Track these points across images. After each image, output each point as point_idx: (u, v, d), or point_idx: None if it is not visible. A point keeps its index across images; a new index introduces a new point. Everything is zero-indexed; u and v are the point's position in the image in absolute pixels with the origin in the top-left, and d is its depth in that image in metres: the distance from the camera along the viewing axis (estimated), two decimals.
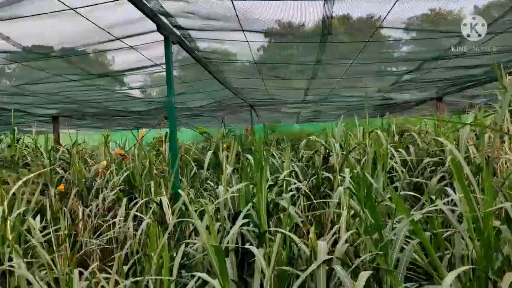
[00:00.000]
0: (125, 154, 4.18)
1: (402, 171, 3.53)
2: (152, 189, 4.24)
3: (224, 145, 4.51)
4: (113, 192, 4.32)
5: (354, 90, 7.71)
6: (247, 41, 4.26)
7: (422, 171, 3.74)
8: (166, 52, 3.93)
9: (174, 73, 4.01)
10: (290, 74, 6.03)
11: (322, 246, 1.86)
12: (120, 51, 4.59)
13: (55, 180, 4.76)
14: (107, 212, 4.51)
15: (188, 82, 6.48)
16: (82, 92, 6.49)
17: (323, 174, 3.68)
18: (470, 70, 6.05)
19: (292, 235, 2.33)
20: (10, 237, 2.47)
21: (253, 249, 2.04)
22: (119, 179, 4.54)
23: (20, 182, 2.66)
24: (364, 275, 1.54)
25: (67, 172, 5.68)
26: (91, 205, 4.16)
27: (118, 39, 4.02)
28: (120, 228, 3.34)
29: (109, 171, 4.25)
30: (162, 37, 3.86)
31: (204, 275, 1.87)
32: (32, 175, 3.01)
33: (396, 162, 3.59)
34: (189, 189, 4.20)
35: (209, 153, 3.48)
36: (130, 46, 4.34)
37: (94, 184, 4.74)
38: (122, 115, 10.12)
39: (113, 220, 3.42)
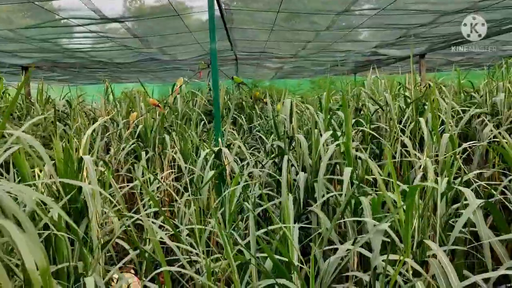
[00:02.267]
0: (159, 104, 3.92)
1: (450, 122, 3.61)
2: (169, 142, 4.06)
3: (256, 93, 4.39)
4: (128, 145, 4.11)
5: (353, 44, 7.66)
6: None
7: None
8: None
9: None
10: (305, 25, 5.85)
11: (469, 193, 1.85)
12: None
13: (58, 133, 4.49)
14: (119, 167, 4.31)
15: (192, 32, 6.11)
16: (76, 39, 5.97)
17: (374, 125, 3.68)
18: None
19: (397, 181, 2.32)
20: None
21: None
22: (135, 131, 4.36)
23: (94, 126, 2.41)
24: None
25: (67, 126, 5.38)
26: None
27: None
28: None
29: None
30: None
31: None
32: (97, 125, 2.74)
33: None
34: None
35: (270, 105, 3.35)
36: None
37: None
38: (101, 67, 9.49)
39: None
